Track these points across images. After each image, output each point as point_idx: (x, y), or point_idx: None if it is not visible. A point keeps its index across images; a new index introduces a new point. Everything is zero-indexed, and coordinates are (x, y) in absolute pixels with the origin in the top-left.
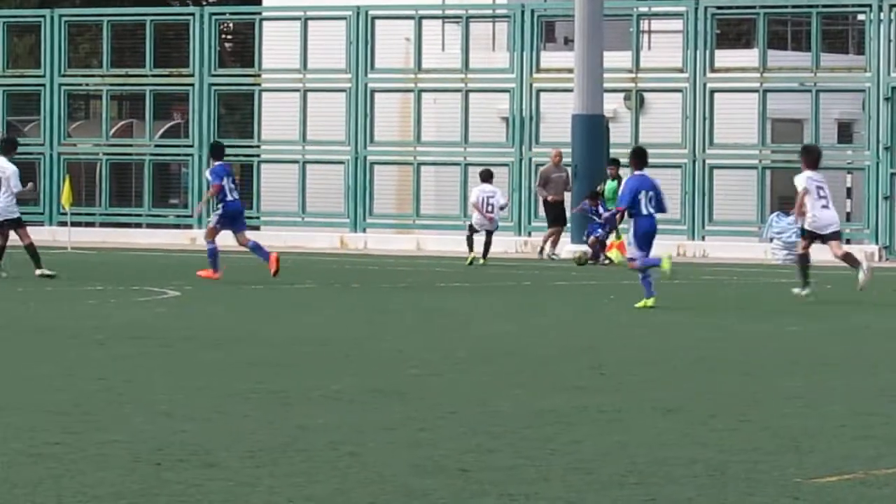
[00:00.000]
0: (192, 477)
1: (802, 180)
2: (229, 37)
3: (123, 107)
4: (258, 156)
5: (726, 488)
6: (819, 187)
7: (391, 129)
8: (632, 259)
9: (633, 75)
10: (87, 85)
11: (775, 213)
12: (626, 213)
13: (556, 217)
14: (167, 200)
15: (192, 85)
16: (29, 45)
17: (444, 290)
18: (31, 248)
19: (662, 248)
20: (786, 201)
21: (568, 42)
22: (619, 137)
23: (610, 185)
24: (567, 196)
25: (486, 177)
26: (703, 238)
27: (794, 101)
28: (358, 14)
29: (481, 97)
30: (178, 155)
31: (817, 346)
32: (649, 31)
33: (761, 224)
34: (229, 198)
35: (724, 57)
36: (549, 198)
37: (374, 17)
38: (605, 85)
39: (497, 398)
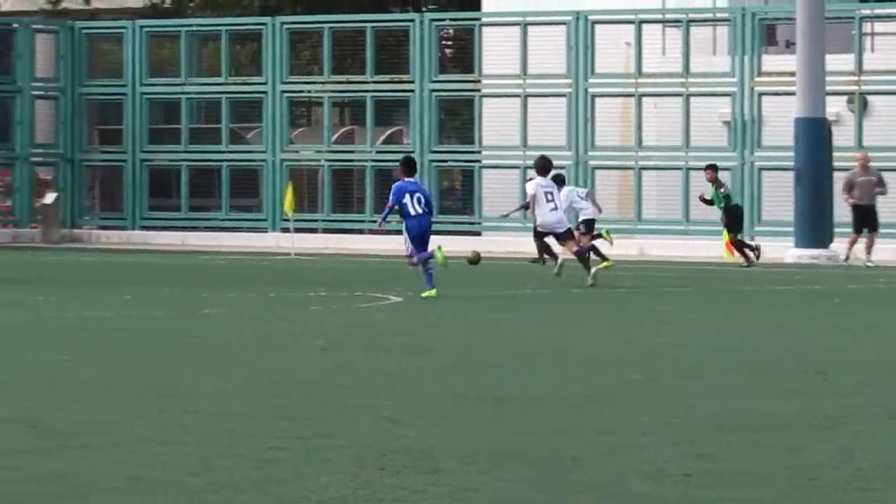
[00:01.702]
0: (416, 482)
1: (532, 187)
2: (449, 42)
3: (345, 113)
4: (479, 161)
5: None
6: (547, 192)
7: (612, 134)
8: (410, 256)
9: (856, 78)
10: (308, 92)
11: None
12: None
13: (863, 221)
14: None
15: (413, 91)
16: (251, 53)
17: (665, 294)
18: None
19: (889, 251)
20: None
21: (790, 45)
22: (843, 141)
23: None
24: (879, 200)
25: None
26: None
27: None
28: (578, 19)
29: (702, 101)
30: (400, 161)
31: None
32: (872, 34)
33: None
34: None
35: None
36: (851, 202)
37: (594, 22)
38: (828, 88)
39: (717, 403)
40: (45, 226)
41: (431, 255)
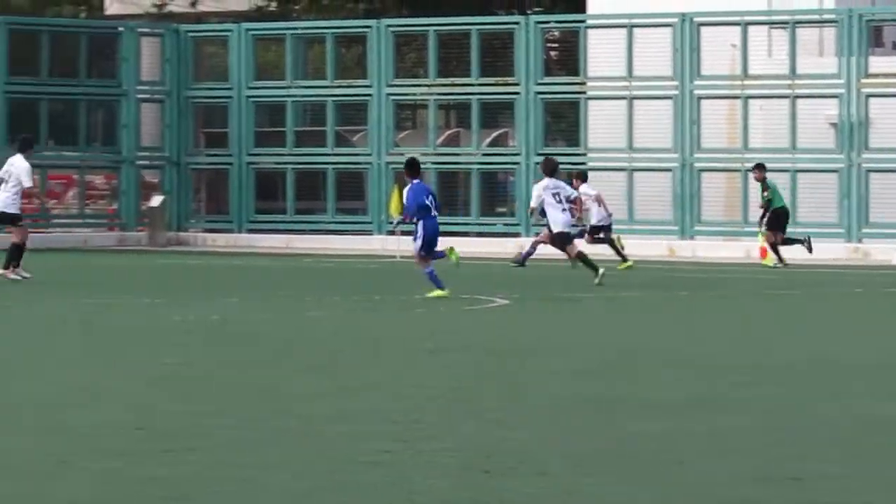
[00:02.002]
0: (522, 484)
1: (539, 190)
2: (554, 45)
3: (450, 116)
4: (584, 164)
5: None
6: (555, 194)
7: (718, 136)
8: (423, 256)
9: None
10: (414, 94)
11: None
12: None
13: None
14: (494, 209)
15: (518, 93)
16: (357, 56)
17: (772, 297)
18: (15, 246)
19: None
20: None
21: None
22: None
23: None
24: None
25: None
26: None
27: None
28: (683, 21)
29: (809, 103)
30: (505, 164)
31: None
32: None
33: None
34: None
35: None
36: None
37: (700, 24)
38: None
39: (826, 407)
40: (151, 229)
41: (443, 255)
